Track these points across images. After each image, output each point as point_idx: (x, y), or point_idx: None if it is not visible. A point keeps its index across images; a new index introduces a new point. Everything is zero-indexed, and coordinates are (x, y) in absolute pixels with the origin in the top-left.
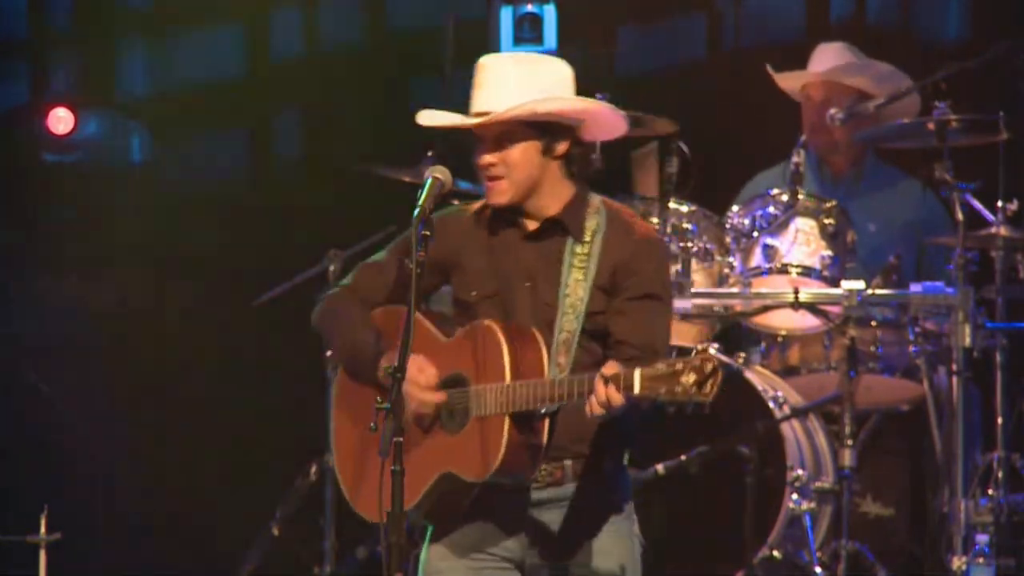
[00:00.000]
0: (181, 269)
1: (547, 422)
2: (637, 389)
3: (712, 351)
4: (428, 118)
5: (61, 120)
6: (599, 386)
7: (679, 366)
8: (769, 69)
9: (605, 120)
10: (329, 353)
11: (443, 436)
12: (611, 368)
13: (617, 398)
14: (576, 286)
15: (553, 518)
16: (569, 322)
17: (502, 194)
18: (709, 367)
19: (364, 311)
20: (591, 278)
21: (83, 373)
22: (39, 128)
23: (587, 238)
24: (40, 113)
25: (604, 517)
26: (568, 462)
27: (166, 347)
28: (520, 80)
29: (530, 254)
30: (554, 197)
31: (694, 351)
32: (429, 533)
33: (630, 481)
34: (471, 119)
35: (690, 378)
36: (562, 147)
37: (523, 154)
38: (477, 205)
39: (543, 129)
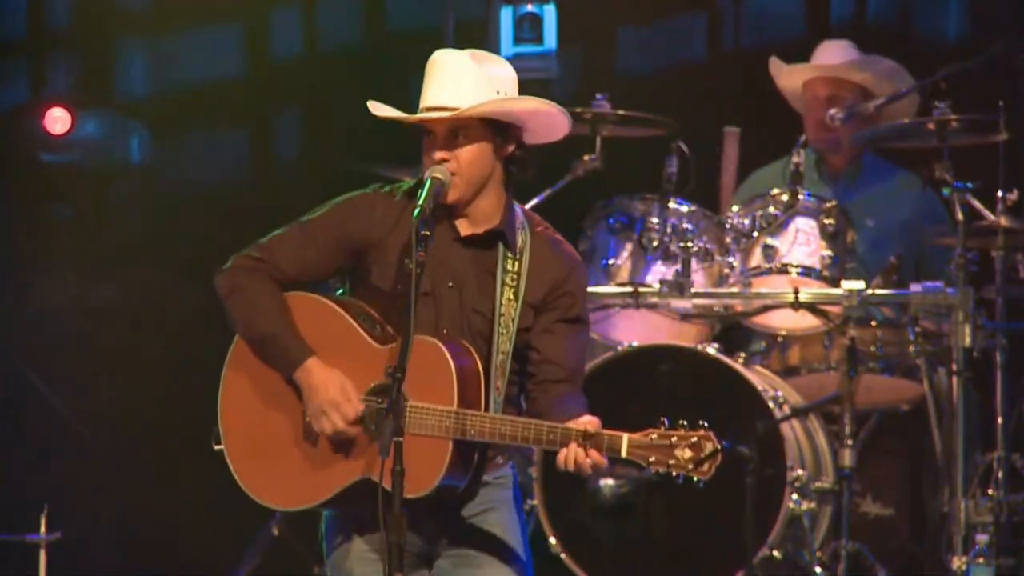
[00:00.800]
0: (181, 269)
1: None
2: (624, 454)
3: (711, 435)
4: (383, 111)
5: (58, 120)
6: (577, 448)
7: (674, 439)
8: (776, 61)
9: (554, 123)
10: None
11: (368, 443)
12: (593, 425)
13: (600, 460)
14: (508, 305)
15: (456, 513)
16: (504, 343)
17: (453, 190)
18: (709, 448)
19: (279, 294)
20: (521, 297)
21: (83, 373)
22: (36, 128)
23: (517, 254)
24: (37, 113)
25: (500, 508)
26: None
27: (166, 347)
28: (477, 77)
29: (460, 257)
30: (494, 202)
31: (682, 424)
32: (326, 519)
33: (514, 471)
34: (432, 113)
35: (685, 453)
36: (509, 149)
37: (477, 152)
38: (407, 190)
39: (497, 128)
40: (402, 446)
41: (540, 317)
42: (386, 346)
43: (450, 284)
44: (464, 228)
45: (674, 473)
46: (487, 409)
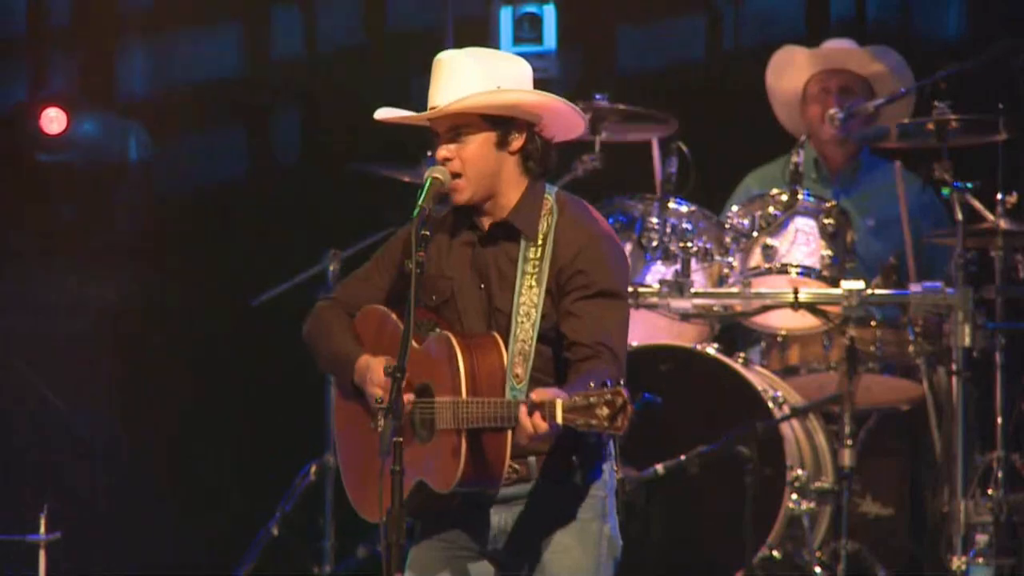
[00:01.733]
0: (181, 269)
1: (509, 432)
2: (559, 419)
3: (636, 394)
4: (384, 113)
5: (53, 120)
6: (523, 418)
7: (592, 399)
8: (789, 48)
9: (561, 116)
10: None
11: (417, 445)
12: (537, 395)
13: (542, 426)
14: (529, 293)
15: (519, 514)
16: (524, 331)
17: (461, 192)
18: (619, 401)
19: (345, 319)
20: (543, 283)
21: (82, 373)
22: (33, 128)
23: (539, 241)
24: (33, 113)
25: (569, 513)
26: (532, 459)
27: (166, 347)
28: (475, 74)
29: (484, 257)
30: (511, 195)
31: (604, 383)
32: (418, 530)
33: (611, 478)
34: (423, 113)
35: (603, 411)
36: (518, 141)
37: (478, 148)
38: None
39: (497, 122)
40: (400, 447)
41: (561, 301)
42: (421, 347)
43: (481, 286)
44: (487, 226)
45: (599, 432)
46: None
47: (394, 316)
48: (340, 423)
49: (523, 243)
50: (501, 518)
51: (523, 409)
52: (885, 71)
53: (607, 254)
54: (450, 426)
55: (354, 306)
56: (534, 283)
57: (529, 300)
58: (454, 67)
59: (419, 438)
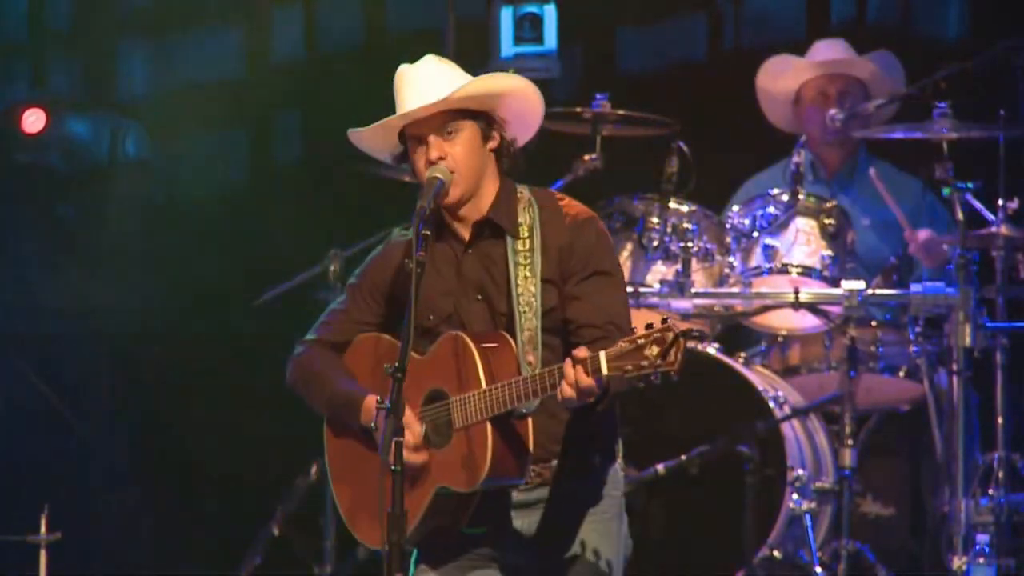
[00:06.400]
0: (180, 269)
1: (530, 423)
2: (605, 370)
3: (683, 327)
4: (362, 133)
5: (32, 120)
6: (568, 369)
7: (640, 340)
8: (783, 57)
9: (530, 104)
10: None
11: (431, 453)
12: (580, 352)
13: (585, 380)
14: (526, 283)
15: (542, 517)
16: (528, 320)
17: (455, 187)
18: (670, 336)
19: (335, 359)
20: (538, 272)
21: (82, 373)
22: (13, 128)
23: (524, 234)
24: (17, 113)
25: (592, 514)
26: (554, 462)
27: (166, 347)
28: (449, 77)
29: (474, 265)
30: (489, 194)
31: (648, 325)
32: (414, 558)
33: (620, 478)
34: (413, 112)
35: (653, 351)
36: (496, 140)
37: (470, 146)
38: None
39: (481, 118)
40: (401, 446)
41: (563, 288)
42: (425, 356)
43: (479, 297)
44: (464, 233)
45: (650, 374)
46: None
47: (387, 337)
48: (337, 460)
49: (508, 240)
50: (523, 523)
51: (567, 363)
52: (878, 70)
53: (598, 233)
54: (472, 421)
55: (338, 340)
56: (528, 274)
57: (527, 290)
58: (426, 72)
59: (435, 445)
